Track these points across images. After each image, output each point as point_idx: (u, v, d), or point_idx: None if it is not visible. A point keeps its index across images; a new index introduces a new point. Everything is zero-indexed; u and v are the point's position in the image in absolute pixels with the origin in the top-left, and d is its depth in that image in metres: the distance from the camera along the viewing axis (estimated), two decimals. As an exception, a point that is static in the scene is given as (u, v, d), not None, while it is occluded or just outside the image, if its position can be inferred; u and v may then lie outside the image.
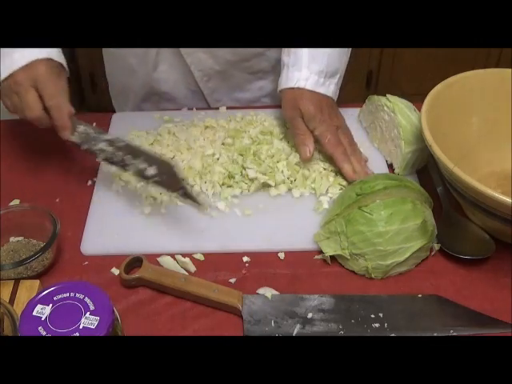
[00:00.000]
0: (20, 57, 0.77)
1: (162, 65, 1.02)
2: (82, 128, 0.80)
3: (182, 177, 0.77)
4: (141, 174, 0.78)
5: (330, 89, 0.87)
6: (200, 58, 0.99)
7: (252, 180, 0.83)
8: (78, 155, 0.92)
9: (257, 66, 1.02)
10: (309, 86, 0.85)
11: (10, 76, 0.77)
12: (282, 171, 0.84)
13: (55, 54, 0.80)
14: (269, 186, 0.83)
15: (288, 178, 0.84)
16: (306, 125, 0.85)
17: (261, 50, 1.00)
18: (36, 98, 0.77)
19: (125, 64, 1.03)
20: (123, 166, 0.79)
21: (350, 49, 0.93)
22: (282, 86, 0.88)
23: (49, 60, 0.79)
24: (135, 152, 0.78)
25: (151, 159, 0.78)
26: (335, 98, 0.90)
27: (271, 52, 1.01)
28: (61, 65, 0.81)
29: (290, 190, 0.83)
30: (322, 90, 0.86)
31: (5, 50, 0.78)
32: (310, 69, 0.85)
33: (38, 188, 0.86)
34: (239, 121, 0.94)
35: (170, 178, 0.77)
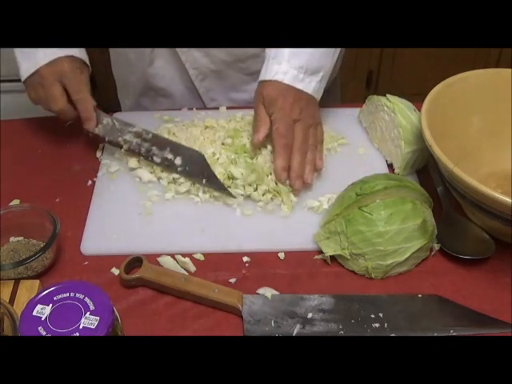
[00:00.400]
0: (44, 55, 0.82)
1: (157, 61, 1.02)
2: (106, 120, 0.85)
3: (210, 166, 0.80)
4: (168, 165, 0.82)
5: (311, 86, 0.84)
6: (195, 57, 0.99)
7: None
8: (78, 155, 0.92)
9: (253, 67, 1.02)
10: (287, 80, 0.82)
11: (36, 71, 0.82)
12: (270, 173, 0.83)
13: (77, 51, 0.85)
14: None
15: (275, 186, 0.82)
16: (266, 109, 0.83)
17: (256, 51, 0.99)
18: (61, 91, 0.82)
19: (125, 58, 1.03)
20: (149, 156, 0.83)
21: (339, 49, 0.91)
22: (261, 77, 0.85)
23: (72, 57, 0.83)
24: (162, 143, 0.83)
25: (178, 149, 0.83)
26: (317, 97, 0.86)
27: (266, 53, 1.01)
28: (83, 62, 0.86)
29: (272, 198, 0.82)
30: (300, 86, 0.83)
31: (27, 50, 0.83)
32: (290, 63, 0.82)
33: (38, 188, 0.86)
34: (239, 121, 0.94)
35: (197, 168, 0.81)
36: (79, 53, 0.85)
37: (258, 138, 0.82)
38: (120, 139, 0.85)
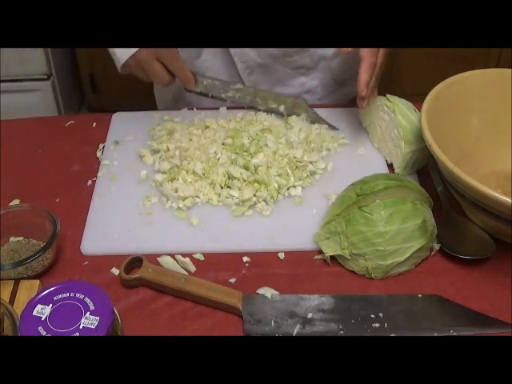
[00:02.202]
0: None
1: (205, 53, 1.03)
2: (206, 81, 0.96)
3: (313, 110, 0.94)
4: (273, 112, 0.95)
5: None
6: (244, 50, 1.00)
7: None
8: (78, 155, 0.92)
9: (299, 61, 1.03)
10: None
11: (132, 56, 0.89)
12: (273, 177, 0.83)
13: None
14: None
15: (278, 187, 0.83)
16: None
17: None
18: (161, 67, 0.91)
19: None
20: (253, 107, 0.97)
21: None
22: None
23: None
24: (263, 95, 0.95)
25: (280, 98, 0.95)
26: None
27: (314, 49, 1.01)
28: None
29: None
30: None
31: None
32: None
33: (38, 188, 0.86)
34: (239, 121, 0.94)
35: (300, 111, 0.94)
36: None
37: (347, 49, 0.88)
38: (223, 95, 0.96)
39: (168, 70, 0.92)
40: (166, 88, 0.96)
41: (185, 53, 1.02)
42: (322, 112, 0.97)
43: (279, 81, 1.05)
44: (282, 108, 0.94)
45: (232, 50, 1.00)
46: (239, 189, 0.81)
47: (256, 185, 0.82)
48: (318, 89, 1.07)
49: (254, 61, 1.01)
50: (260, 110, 0.96)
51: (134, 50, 0.88)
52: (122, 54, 0.90)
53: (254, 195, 0.81)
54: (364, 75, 0.85)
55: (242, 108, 1.01)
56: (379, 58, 0.87)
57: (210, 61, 1.03)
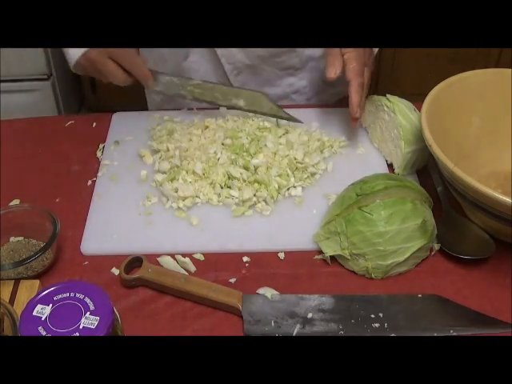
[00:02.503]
0: None
1: (192, 55, 1.02)
2: (166, 78, 0.94)
3: (275, 104, 0.92)
4: (233, 107, 0.93)
5: None
6: (231, 52, 1.00)
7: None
8: (78, 155, 0.92)
9: (287, 62, 1.02)
10: None
11: (84, 56, 0.88)
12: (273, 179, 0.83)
13: None
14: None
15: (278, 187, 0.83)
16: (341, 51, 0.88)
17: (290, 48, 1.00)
18: (115, 66, 0.89)
19: (157, 53, 1.03)
20: (213, 103, 0.94)
21: None
22: None
23: None
24: (223, 91, 0.93)
25: (240, 93, 0.93)
26: (374, 53, 0.94)
27: (302, 49, 1.01)
28: None
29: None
30: None
31: None
32: None
33: (38, 188, 0.86)
34: (236, 120, 0.94)
35: (260, 105, 0.92)
36: None
37: (334, 73, 0.86)
38: (183, 92, 0.94)
39: (124, 69, 0.90)
40: (154, 90, 0.94)
41: (171, 55, 1.02)
42: (322, 112, 0.97)
43: (267, 81, 1.05)
44: (241, 102, 0.93)
45: (219, 52, 0.99)
46: (239, 189, 0.81)
47: (256, 185, 0.82)
48: (306, 89, 1.07)
49: (241, 62, 1.01)
50: (222, 106, 0.94)
51: (83, 50, 0.87)
52: (73, 54, 0.89)
53: (254, 195, 0.81)
54: (355, 97, 0.86)
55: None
56: (366, 78, 0.88)
57: (197, 62, 1.03)
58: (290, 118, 0.92)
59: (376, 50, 0.95)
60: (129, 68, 0.90)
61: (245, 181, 0.82)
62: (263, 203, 0.81)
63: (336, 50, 0.87)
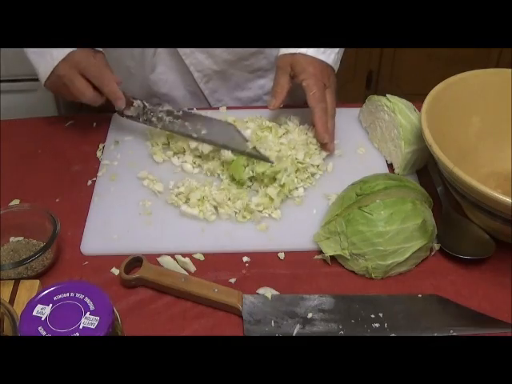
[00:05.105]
0: (57, 52, 0.84)
1: (159, 66, 1.02)
2: (136, 103, 0.89)
3: (245, 137, 0.84)
4: (202, 138, 0.85)
5: (331, 57, 0.89)
6: (198, 59, 0.99)
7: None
8: (78, 155, 0.92)
9: (256, 64, 1.02)
10: (310, 52, 0.88)
11: (53, 71, 0.84)
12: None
13: None
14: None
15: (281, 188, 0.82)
16: (295, 77, 0.87)
17: (259, 49, 1.00)
18: (84, 82, 0.84)
19: (122, 67, 1.03)
20: (183, 132, 0.86)
21: None
22: (283, 52, 0.90)
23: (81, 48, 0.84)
24: (193, 118, 0.87)
25: (210, 122, 0.87)
26: (335, 68, 0.91)
27: (269, 50, 1.01)
28: (93, 49, 0.86)
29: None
30: (322, 58, 0.88)
31: (41, 51, 0.85)
32: None
33: (38, 188, 0.86)
34: (236, 120, 0.94)
35: (228, 137, 0.84)
36: None
37: (275, 105, 0.87)
38: (153, 119, 0.88)
39: (94, 87, 0.85)
40: (125, 115, 0.89)
41: (138, 67, 1.02)
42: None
43: (238, 85, 1.05)
44: (209, 132, 0.85)
45: (187, 61, 0.99)
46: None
47: (263, 189, 0.81)
48: None
49: (209, 68, 1.01)
50: (192, 138, 0.86)
51: (52, 67, 0.84)
52: (43, 72, 0.85)
53: (260, 211, 0.80)
54: (319, 125, 0.85)
55: (242, 108, 1.01)
56: (329, 100, 0.87)
57: (165, 73, 1.02)
58: (262, 158, 0.82)
59: (337, 65, 0.92)
60: (99, 85, 0.85)
61: (249, 187, 0.82)
62: (272, 207, 0.81)
63: (283, 81, 0.87)
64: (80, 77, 0.84)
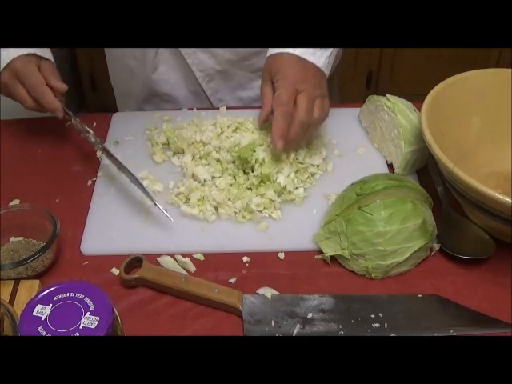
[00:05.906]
0: (3, 58, 0.82)
1: (161, 66, 1.02)
2: (74, 121, 0.86)
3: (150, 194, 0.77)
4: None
5: (321, 60, 0.83)
6: (201, 59, 0.99)
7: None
8: (78, 155, 0.92)
9: (257, 64, 1.02)
10: (298, 52, 0.81)
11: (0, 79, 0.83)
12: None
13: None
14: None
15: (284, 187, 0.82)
16: (273, 78, 0.81)
17: (260, 48, 0.99)
18: (23, 91, 0.83)
19: (124, 66, 1.03)
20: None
21: None
22: (269, 53, 0.85)
23: (25, 55, 0.83)
24: (120, 166, 0.81)
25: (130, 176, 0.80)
26: (326, 72, 0.85)
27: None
28: (38, 56, 0.84)
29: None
30: (311, 59, 0.82)
31: None
32: None
33: (38, 188, 0.86)
34: (238, 120, 0.93)
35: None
36: (31, 49, 0.83)
37: (262, 119, 0.83)
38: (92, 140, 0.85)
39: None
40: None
41: (140, 67, 1.02)
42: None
43: (239, 85, 1.05)
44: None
45: (189, 60, 0.99)
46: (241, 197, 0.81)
47: (262, 189, 0.81)
48: None
49: (212, 68, 1.01)
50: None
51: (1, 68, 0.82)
52: None
53: (260, 211, 0.80)
54: (273, 129, 0.78)
55: (243, 108, 1.00)
56: (302, 105, 0.79)
57: (167, 73, 1.02)
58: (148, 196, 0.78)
59: (328, 70, 0.86)
60: (33, 96, 0.82)
61: (249, 188, 0.82)
62: (272, 207, 0.81)
63: (267, 92, 0.82)
64: (19, 86, 0.82)
